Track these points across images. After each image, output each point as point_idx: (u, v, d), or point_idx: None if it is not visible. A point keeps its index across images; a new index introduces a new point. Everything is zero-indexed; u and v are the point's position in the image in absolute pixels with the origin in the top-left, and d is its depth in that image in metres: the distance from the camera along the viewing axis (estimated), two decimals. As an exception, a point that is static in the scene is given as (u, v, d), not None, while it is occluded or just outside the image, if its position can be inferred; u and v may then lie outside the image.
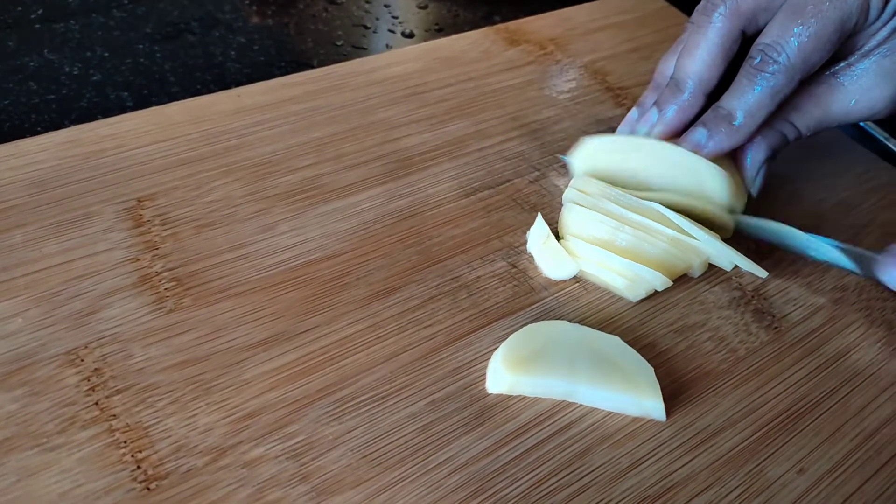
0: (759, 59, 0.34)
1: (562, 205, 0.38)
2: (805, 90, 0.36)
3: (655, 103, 0.37)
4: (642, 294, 0.36)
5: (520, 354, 0.32)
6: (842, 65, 0.36)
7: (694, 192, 0.36)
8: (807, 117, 0.37)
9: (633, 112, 0.39)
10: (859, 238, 0.42)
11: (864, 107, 0.36)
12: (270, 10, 0.55)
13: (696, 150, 0.36)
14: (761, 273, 0.36)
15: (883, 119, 0.41)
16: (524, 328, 0.33)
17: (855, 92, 0.36)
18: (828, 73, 0.36)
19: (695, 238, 0.35)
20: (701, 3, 0.36)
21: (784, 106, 0.36)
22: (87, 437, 0.28)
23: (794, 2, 0.34)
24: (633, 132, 0.38)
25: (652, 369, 0.32)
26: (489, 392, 0.32)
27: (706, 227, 0.36)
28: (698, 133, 0.36)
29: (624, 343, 0.33)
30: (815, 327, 0.37)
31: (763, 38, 0.34)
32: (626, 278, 0.35)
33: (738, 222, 0.37)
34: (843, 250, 0.34)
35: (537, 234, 0.37)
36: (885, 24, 0.34)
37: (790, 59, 0.33)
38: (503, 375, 0.31)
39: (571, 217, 0.36)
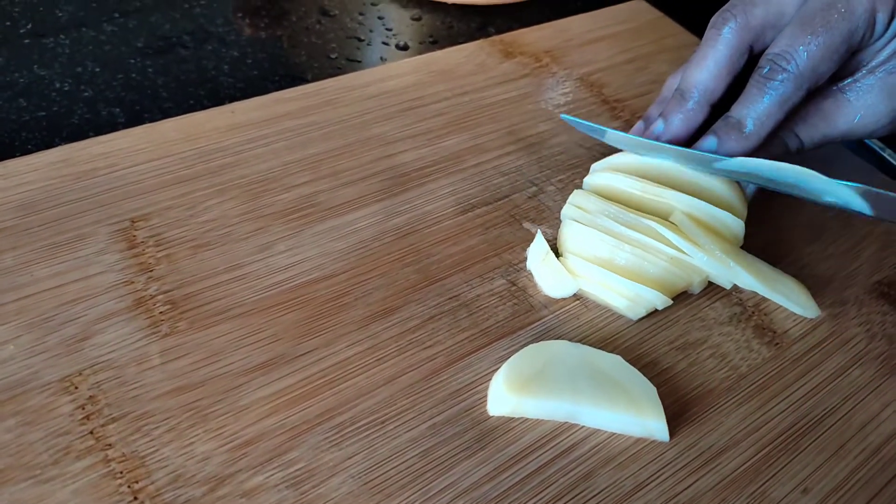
0: (767, 68, 0.34)
1: (560, 221, 0.38)
2: (812, 103, 0.37)
3: (661, 114, 0.37)
4: (642, 313, 0.35)
5: (521, 376, 0.31)
6: (848, 81, 0.37)
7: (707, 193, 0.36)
8: (812, 130, 0.37)
9: (639, 124, 0.39)
10: (859, 249, 0.41)
11: (869, 122, 0.36)
12: (263, 23, 0.54)
13: None
14: (812, 312, 0.37)
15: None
16: (525, 349, 0.33)
17: (860, 108, 0.36)
18: (834, 87, 0.37)
19: (691, 258, 0.35)
20: (713, 19, 0.36)
21: (791, 117, 0.36)
22: (83, 468, 0.27)
23: (802, 15, 0.34)
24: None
25: (654, 389, 0.32)
26: (491, 414, 0.31)
27: (718, 236, 0.35)
28: (708, 141, 0.36)
29: (626, 362, 0.33)
30: (816, 343, 0.36)
31: (773, 49, 0.34)
32: (627, 298, 0.35)
33: (735, 167, 0.36)
34: (864, 193, 0.33)
35: (536, 252, 0.37)
36: (889, 42, 0.35)
37: (799, 67, 0.34)
38: (505, 397, 0.31)
39: (570, 234, 0.36)
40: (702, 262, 0.35)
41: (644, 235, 0.35)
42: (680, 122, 0.37)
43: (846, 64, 0.35)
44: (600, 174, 0.37)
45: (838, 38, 0.33)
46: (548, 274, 0.36)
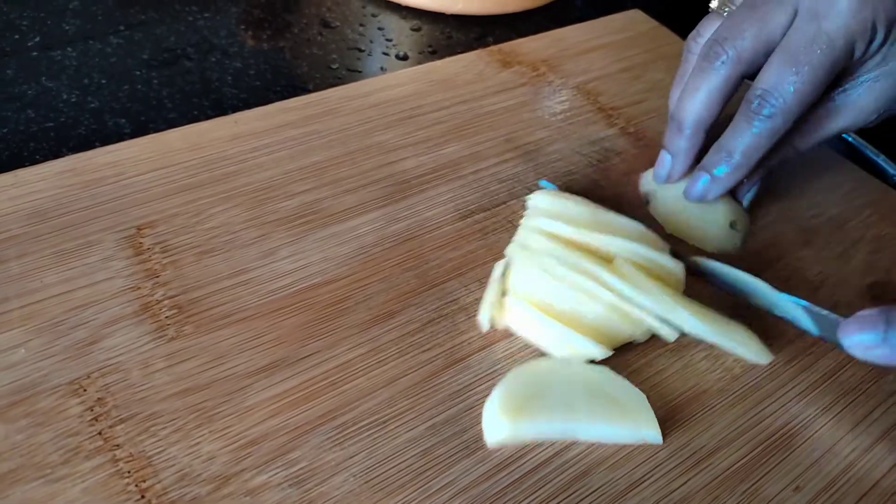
0: (756, 103, 0.36)
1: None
2: (805, 114, 0.38)
3: (664, 148, 0.40)
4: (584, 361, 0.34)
5: (516, 401, 0.31)
6: (838, 90, 0.38)
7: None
8: (807, 138, 0.39)
9: (664, 156, 0.41)
10: (851, 253, 0.42)
11: (858, 120, 0.39)
12: (266, 35, 0.55)
13: (704, 195, 0.38)
14: (765, 359, 0.34)
15: (869, 134, 0.43)
16: (513, 371, 0.32)
17: (850, 110, 0.38)
18: (825, 97, 0.38)
19: (632, 302, 0.33)
20: (704, 47, 0.37)
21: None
22: (91, 468, 0.28)
23: (787, 48, 0.35)
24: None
25: (644, 396, 0.32)
26: (489, 445, 0.31)
27: (661, 281, 0.34)
28: (701, 179, 0.38)
29: (614, 373, 0.33)
30: (809, 344, 0.37)
31: (760, 84, 0.36)
32: (563, 348, 0.33)
33: (703, 265, 0.36)
34: (809, 311, 0.34)
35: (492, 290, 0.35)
36: (872, 57, 0.37)
37: (787, 103, 0.35)
38: (502, 424, 0.30)
39: (514, 272, 0.35)
40: (645, 307, 0.33)
41: (587, 279, 0.33)
42: (682, 153, 0.39)
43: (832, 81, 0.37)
44: (531, 237, 0.36)
45: (822, 72, 0.35)
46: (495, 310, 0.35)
